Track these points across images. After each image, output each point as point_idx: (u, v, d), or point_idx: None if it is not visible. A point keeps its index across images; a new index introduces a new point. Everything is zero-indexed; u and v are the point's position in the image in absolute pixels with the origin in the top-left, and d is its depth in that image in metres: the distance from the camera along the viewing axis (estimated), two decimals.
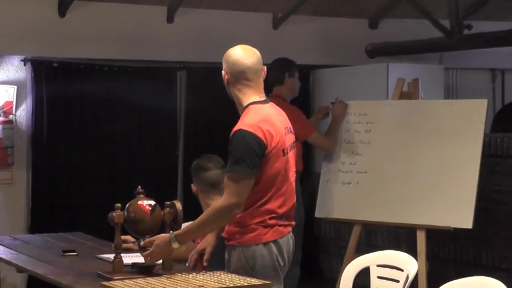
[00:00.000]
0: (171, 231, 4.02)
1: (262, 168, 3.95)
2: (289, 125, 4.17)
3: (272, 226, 4.02)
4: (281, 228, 4.06)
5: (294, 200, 4.14)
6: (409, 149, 6.42)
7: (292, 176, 4.13)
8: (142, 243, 4.01)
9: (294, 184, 4.15)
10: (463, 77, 9.52)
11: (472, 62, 9.21)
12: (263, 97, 4.13)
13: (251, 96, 4.09)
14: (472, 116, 6.19)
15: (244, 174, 3.89)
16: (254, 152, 3.90)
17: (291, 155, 4.12)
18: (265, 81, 6.67)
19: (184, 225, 4.10)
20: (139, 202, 4.04)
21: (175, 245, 3.96)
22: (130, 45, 8.01)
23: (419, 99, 6.75)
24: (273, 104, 4.18)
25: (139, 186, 4.12)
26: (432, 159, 6.28)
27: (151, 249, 3.97)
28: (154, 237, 4.00)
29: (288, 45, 8.60)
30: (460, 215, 6.02)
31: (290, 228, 4.13)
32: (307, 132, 6.69)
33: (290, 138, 4.13)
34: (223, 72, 4.11)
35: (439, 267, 6.84)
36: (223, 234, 4.19)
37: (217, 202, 3.99)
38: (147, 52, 8.12)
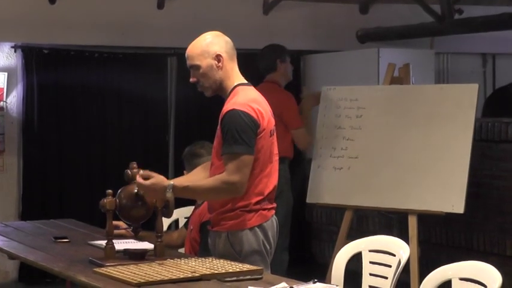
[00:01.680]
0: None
1: None
2: (270, 108, 4.17)
3: (256, 211, 4.03)
4: (265, 212, 4.07)
5: (276, 182, 4.14)
6: (400, 134, 6.42)
7: (275, 157, 4.14)
8: (142, 172, 3.98)
9: (276, 166, 4.15)
10: (454, 61, 9.52)
11: (463, 47, 9.22)
12: (244, 80, 4.14)
13: (238, 76, 4.13)
14: (463, 100, 6.19)
15: (245, 153, 3.91)
16: (251, 130, 3.92)
17: (274, 137, 4.14)
18: (257, 68, 6.68)
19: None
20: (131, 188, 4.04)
21: (169, 194, 3.92)
22: (121, 31, 7.99)
23: (410, 84, 6.75)
24: (253, 87, 4.17)
25: (135, 163, 4.09)
26: (423, 144, 6.29)
27: (147, 182, 3.93)
28: (155, 174, 3.96)
29: (278, 31, 8.59)
30: (451, 199, 6.03)
31: (273, 211, 4.14)
32: (295, 124, 6.71)
33: (273, 121, 4.15)
34: (217, 54, 4.06)
35: (431, 252, 6.86)
36: (193, 222, 4.21)
37: (224, 176, 3.93)
38: (137, 38, 8.10)
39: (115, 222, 4.64)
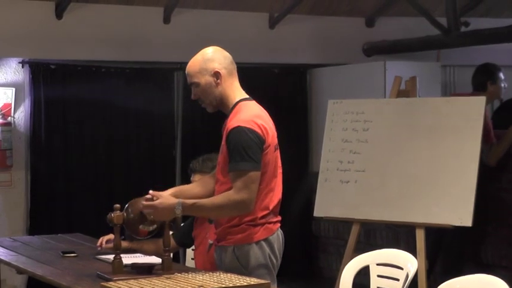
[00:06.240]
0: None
1: None
2: (272, 123, 4.16)
3: (262, 224, 4.03)
4: (270, 225, 4.06)
5: (280, 195, 4.14)
6: (407, 147, 6.41)
7: (279, 170, 4.13)
8: (150, 192, 3.97)
9: (280, 180, 4.15)
10: (461, 74, 9.50)
11: (470, 59, 9.20)
12: (246, 94, 4.14)
13: (239, 91, 4.12)
14: (471, 113, 6.18)
15: (252, 169, 3.90)
16: (257, 147, 3.91)
17: (278, 152, 4.14)
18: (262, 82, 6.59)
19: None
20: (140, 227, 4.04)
21: (178, 212, 3.92)
22: (127, 46, 8.02)
23: (417, 97, 6.75)
24: (255, 102, 4.16)
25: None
26: (431, 157, 6.27)
27: (154, 203, 3.93)
28: (161, 193, 3.98)
29: (284, 45, 8.61)
30: (459, 212, 6.01)
31: (279, 225, 4.13)
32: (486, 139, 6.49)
33: (275, 135, 4.14)
34: (215, 71, 4.04)
35: (439, 266, 6.84)
36: (212, 238, 4.20)
37: (232, 194, 3.93)
38: (144, 53, 8.13)
39: (107, 237, 4.68)
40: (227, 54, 4.13)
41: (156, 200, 3.95)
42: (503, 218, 6.65)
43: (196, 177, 4.76)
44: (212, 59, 4.07)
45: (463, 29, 7.98)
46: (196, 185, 4.31)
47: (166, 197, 3.98)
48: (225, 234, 4.05)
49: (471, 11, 8.61)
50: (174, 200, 3.95)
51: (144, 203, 3.96)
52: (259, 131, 3.94)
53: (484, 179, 6.23)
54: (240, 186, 3.90)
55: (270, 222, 4.05)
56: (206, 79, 4.07)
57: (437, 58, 9.03)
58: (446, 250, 6.74)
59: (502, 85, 7.07)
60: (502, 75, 7.08)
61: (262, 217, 4.02)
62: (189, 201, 3.98)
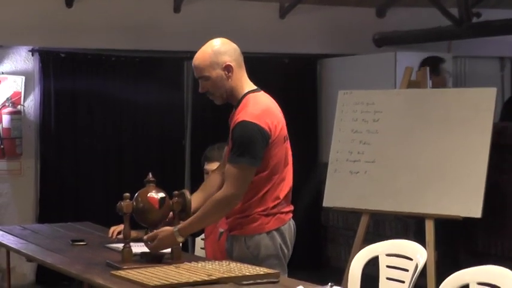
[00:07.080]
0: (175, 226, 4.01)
1: (265, 157, 3.95)
2: (281, 114, 4.14)
3: (274, 214, 4.03)
4: (282, 215, 4.06)
5: (291, 183, 4.14)
6: (417, 138, 6.40)
7: (289, 157, 4.13)
8: (145, 237, 4.01)
9: (291, 168, 4.14)
10: (472, 65, 9.49)
11: (481, 51, 9.19)
12: (254, 85, 4.11)
13: (247, 83, 4.09)
14: (481, 104, 6.17)
15: (248, 165, 3.90)
16: (258, 143, 3.90)
17: (288, 142, 4.14)
18: (272, 72, 6.56)
19: None
20: (148, 195, 4.02)
21: (180, 239, 3.97)
22: (138, 35, 8.02)
23: (428, 88, 6.74)
24: (263, 92, 4.14)
25: (150, 174, 4.10)
26: (441, 148, 6.27)
27: (155, 243, 3.96)
28: (158, 231, 3.99)
29: (294, 35, 8.60)
30: (469, 204, 6.01)
31: (291, 215, 4.13)
32: None
33: (285, 126, 4.12)
34: (226, 64, 3.99)
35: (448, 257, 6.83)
36: (224, 226, 4.20)
37: (217, 194, 3.98)
38: (154, 42, 8.12)
39: (115, 228, 4.68)
40: (235, 46, 4.08)
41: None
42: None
43: (212, 166, 4.72)
44: (222, 52, 4.02)
45: (474, 20, 7.95)
46: (215, 176, 4.28)
47: (161, 232, 3.98)
48: (236, 224, 4.06)
49: (483, 2, 8.56)
50: (170, 230, 3.96)
51: (149, 247, 3.98)
52: (264, 125, 3.91)
53: (493, 170, 6.22)
54: (231, 180, 3.91)
55: (282, 212, 4.05)
56: (217, 72, 4.02)
57: (448, 49, 9.00)
58: (442, 241, 6.74)
59: (447, 75, 7.31)
60: (444, 66, 7.28)
61: (274, 207, 4.02)
62: (183, 224, 3.99)
